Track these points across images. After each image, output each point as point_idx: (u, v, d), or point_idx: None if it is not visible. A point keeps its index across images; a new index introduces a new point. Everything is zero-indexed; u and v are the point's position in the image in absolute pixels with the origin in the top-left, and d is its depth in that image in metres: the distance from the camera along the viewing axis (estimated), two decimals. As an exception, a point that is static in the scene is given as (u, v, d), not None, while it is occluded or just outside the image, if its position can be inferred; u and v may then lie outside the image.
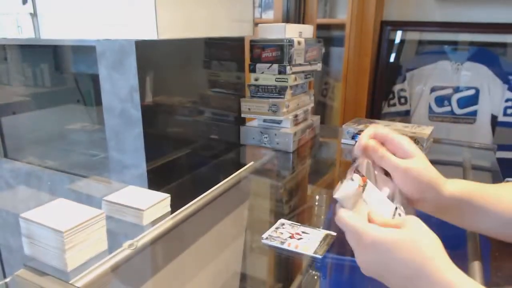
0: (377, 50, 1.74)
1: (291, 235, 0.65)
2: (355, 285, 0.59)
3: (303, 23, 1.44)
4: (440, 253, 0.40)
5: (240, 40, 1.06)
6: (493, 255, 0.57)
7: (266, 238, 0.64)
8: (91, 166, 1.04)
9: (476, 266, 0.54)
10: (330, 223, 0.74)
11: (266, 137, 1.06)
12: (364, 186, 0.46)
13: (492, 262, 0.56)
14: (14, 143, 1.12)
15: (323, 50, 1.22)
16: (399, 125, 1.15)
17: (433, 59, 1.67)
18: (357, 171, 0.47)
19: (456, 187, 0.51)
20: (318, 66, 1.19)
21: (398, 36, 1.73)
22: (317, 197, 0.90)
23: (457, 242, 0.62)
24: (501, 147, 1.50)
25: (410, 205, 0.51)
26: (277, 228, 0.67)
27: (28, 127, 1.20)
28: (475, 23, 1.58)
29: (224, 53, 1.02)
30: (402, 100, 1.73)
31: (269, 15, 1.88)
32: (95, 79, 1.26)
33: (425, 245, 0.40)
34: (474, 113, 1.61)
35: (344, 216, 0.44)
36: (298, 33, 1.09)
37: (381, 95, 1.77)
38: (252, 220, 0.78)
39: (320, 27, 1.84)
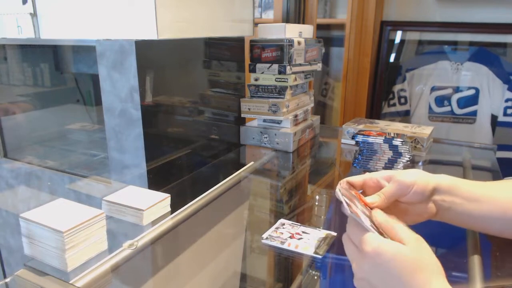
0: (377, 50, 1.74)
1: (291, 235, 0.65)
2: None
3: (303, 23, 1.44)
4: (440, 278, 0.39)
5: (240, 40, 1.06)
6: (493, 255, 0.57)
7: (266, 238, 0.64)
8: (91, 166, 1.04)
9: (476, 265, 0.54)
10: (330, 223, 0.74)
11: (266, 137, 1.06)
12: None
13: (493, 262, 0.56)
14: (14, 143, 1.12)
15: (323, 50, 1.22)
16: (399, 125, 1.15)
17: (433, 59, 1.67)
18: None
19: (443, 181, 0.52)
20: (318, 66, 1.19)
21: (398, 36, 1.73)
22: (317, 197, 0.90)
23: (457, 241, 0.62)
24: (501, 147, 1.50)
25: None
26: (277, 228, 0.67)
27: (28, 127, 1.20)
28: (475, 23, 1.58)
29: (224, 53, 1.02)
30: (402, 100, 1.73)
31: (269, 15, 1.88)
32: (95, 79, 1.26)
33: (427, 267, 0.39)
34: (474, 113, 1.61)
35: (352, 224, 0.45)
36: (298, 33, 1.09)
37: (381, 95, 1.77)
38: (252, 220, 0.78)
39: (320, 27, 1.84)
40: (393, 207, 0.52)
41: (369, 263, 0.41)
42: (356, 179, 0.54)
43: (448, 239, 0.64)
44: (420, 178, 0.51)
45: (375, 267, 0.41)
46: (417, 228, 0.50)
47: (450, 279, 0.39)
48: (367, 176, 0.54)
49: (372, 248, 0.41)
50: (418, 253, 0.40)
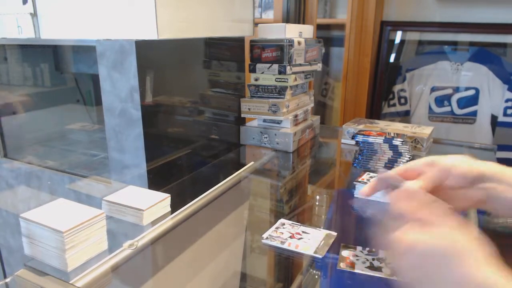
0: (377, 50, 1.74)
1: (291, 235, 0.65)
2: (355, 285, 0.59)
3: (303, 23, 1.44)
4: (488, 263, 0.37)
5: (240, 40, 1.06)
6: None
7: (266, 238, 0.64)
8: (91, 166, 1.04)
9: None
10: (331, 223, 0.74)
11: (266, 137, 1.06)
12: None
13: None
14: (14, 143, 1.12)
15: (323, 50, 1.22)
16: (399, 125, 1.15)
17: (433, 59, 1.67)
18: None
19: (489, 168, 0.51)
20: (318, 66, 1.19)
21: (398, 36, 1.73)
22: (317, 197, 0.90)
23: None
24: (501, 147, 1.50)
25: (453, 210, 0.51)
26: (277, 228, 0.67)
27: (28, 127, 1.20)
28: (475, 23, 1.58)
29: (224, 53, 1.02)
30: (402, 100, 1.73)
31: (269, 15, 1.88)
32: (95, 79, 1.26)
33: (465, 253, 0.37)
34: (474, 113, 1.61)
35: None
36: (298, 33, 1.09)
37: (381, 95, 1.77)
38: (252, 220, 0.78)
39: (320, 27, 1.84)
40: (438, 194, 0.51)
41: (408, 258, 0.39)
42: (399, 171, 0.53)
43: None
44: (461, 162, 0.50)
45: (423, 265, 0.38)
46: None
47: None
48: (408, 166, 0.53)
49: (408, 241, 0.39)
50: (467, 243, 0.37)
